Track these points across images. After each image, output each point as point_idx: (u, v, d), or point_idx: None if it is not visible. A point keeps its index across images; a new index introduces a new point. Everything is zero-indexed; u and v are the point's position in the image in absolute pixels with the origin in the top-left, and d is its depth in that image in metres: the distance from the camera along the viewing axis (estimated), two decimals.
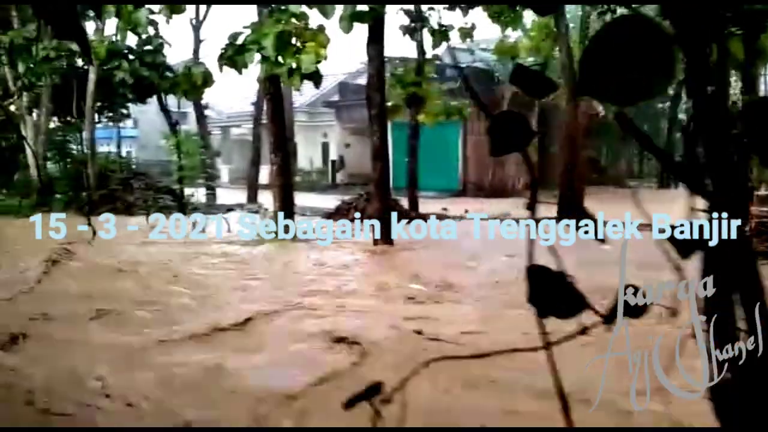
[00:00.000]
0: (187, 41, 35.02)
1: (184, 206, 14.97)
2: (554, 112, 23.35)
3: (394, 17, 15.51)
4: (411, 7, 13.46)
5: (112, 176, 17.52)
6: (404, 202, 14.00)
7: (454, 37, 14.29)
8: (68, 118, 18.88)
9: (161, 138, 17.87)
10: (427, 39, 14.11)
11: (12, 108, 16.67)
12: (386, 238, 9.37)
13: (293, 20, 9.17)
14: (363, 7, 8.58)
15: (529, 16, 17.59)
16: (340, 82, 31.11)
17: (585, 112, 14.77)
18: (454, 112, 15.43)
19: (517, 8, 14.22)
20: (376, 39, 9.30)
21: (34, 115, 16.79)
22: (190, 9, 19.08)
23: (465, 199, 21.93)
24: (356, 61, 34.40)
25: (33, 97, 16.54)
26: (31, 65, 15.53)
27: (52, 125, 18.30)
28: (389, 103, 11.61)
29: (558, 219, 12.78)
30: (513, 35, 16.76)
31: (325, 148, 31.84)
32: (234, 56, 9.07)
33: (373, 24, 9.09)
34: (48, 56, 14.73)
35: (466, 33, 14.38)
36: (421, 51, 14.48)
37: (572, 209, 13.01)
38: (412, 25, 13.78)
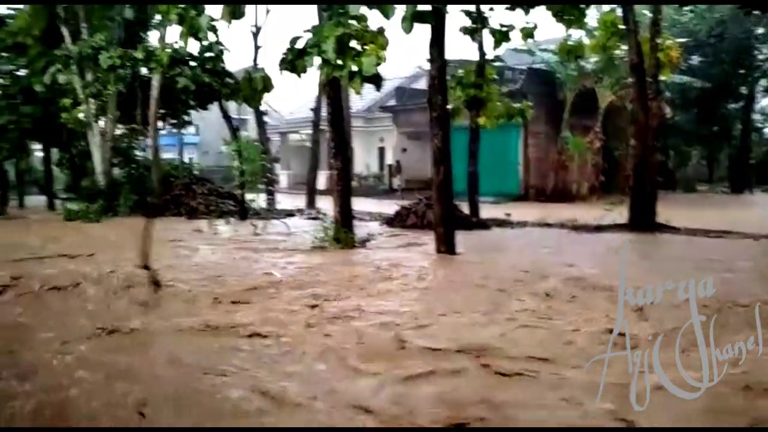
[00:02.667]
0: (246, 48, 35.81)
1: (245, 211, 15.04)
2: (620, 113, 22.54)
3: (454, 19, 15.21)
4: (472, 7, 13.13)
5: (175, 181, 17.84)
6: (464, 208, 13.66)
7: (515, 38, 13.89)
8: (133, 125, 19.38)
9: (222, 144, 18.07)
10: (488, 40, 13.78)
11: (80, 116, 17.18)
12: (449, 244, 9.05)
13: (353, 22, 9.01)
14: (425, 7, 8.33)
15: (593, 15, 17.02)
16: (396, 87, 31.04)
17: (654, 113, 14.07)
18: (516, 114, 14.97)
19: (582, 6, 13.75)
20: (438, 40, 9.01)
21: (101, 122, 17.25)
22: (249, 15, 19.32)
23: (526, 204, 21.37)
24: (412, 65, 34.36)
25: (100, 104, 17.01)
26: (98, 74, 15.97)
27: (117, 132, 18.78)
28: (449, 106, 11.28)
29: (630, 226, 12.21)
30: (575, 34, 16.27)
31: (382, 152, 31.76)
32: (294, 60, 8.97)
33: (435, 24, 8.82)
34: (114, 65, 15.09)
35: (528, 33, 13.90)
36: (481, 52, 14.12)
37: (644, 216, 12.33)
38: (473, 26, 13.44)
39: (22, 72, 19.74)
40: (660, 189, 14.15)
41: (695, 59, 28.94)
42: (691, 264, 7.61)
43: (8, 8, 19.69)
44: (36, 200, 22.94)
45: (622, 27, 13.72)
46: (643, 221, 12.18)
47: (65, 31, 16.68)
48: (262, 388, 3.51)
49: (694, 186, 30.27)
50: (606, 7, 16.15)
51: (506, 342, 4.30)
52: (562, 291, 5.76)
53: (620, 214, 13.19)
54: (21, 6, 18.71)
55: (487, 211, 14.94)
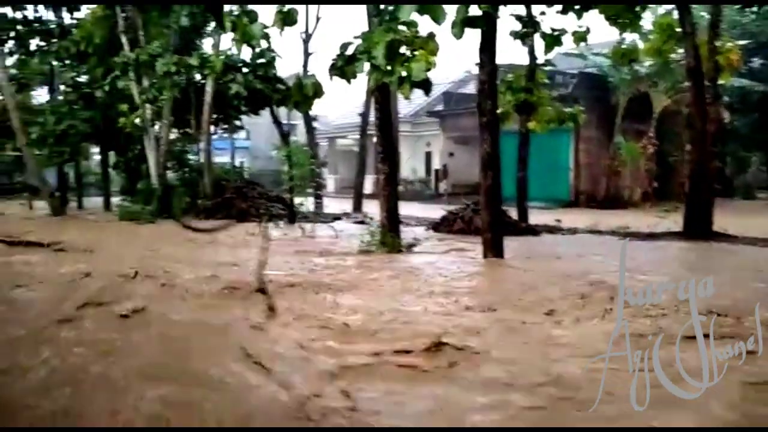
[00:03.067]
0: (296, 55, 36.40)
1: (293, 214, 15.25)
2: (676, 117, 21.91)
3: (504, 23, 15.10)
4: (523, 11, 13.00)
5: (226, 185, 18.23)
6: (513, 213, 13.52)
7: (567, 41, 13.67)
8: (186, 130, 19.91)
9: (272, 149, 18.39)
10: (539, 44, 13.63)
11: (137, 120, 17.76)
12: (496, 250, 8.96)
13: (403, 28, 9.05)
14: (476, 11, 8.30)
15: (648, 17, 16.60)
16: (444, 92, 30.99)
17: (712, 117, 13.60)
18: (567, 119, 14.74)
19: (637, 9, 13.44)
20: (488, 45, 8.96)
21: (156, 127, 17.79)
22: (300, 22, 19.61)
23: (577, 210, 21.00)
24: (460, 70, 34.25)
25: (155, 110, 17.54)
26: (154, 80, 16.47)
27: (172, 136, 19.32)
28: (498, 110, 11.20)
29: (685, 234, 11.85)
30: (629, 37, 15.91)
31: (429, 157, 31.72)
32: (344, 66, 9.06)
33: (485, 29, 8.77)
34: (169, 71, 15.54)
35: (581, 37, 13.68)
36: (532, 56, 13.97)
37: (700, 223, 11.94)
38: (524, 30, 13.30)
39: (82, 78, 20.56)
40: (717, 196, 13.67)
41: (756, 62, 27.88)
42: (749, 274, 7.33)
43: (72, 18, 20.56)
44: (93, 201, 23.78)
45: (678, 30, 13.35)
46: (698, 229, 11.80)
47: (124, 40, 17.29)
48: None
49: (753, 193, 29.11)
50: (662, 10, 15.75)
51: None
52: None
53: (675, 221, 12.82)
54: (83, 15, 19.51)
55: (536, 217, 14.75)
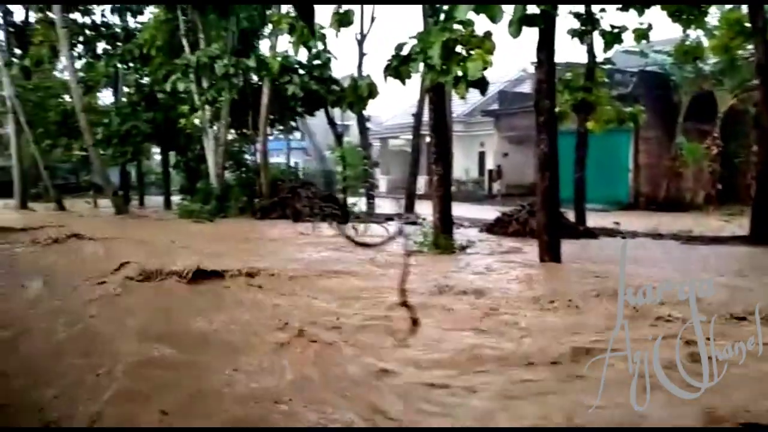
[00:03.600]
0: (350, 56, 36.64)
1: (347, 214, 15.35)
2: (742, 117, 21.00)
3: (561, 21, 14.80)
4: (582, 9, 12.72)
5: (281, 185, 18.52)
6: (570, 215, 13.24)
7: (627, 39, 13.30)
8: (244, 131, 20.33)
9: (326, 149, 18.56)
10: (598, 42, 13.30)
11: (196, 121, 18.24)
12: (553, 253, 8.79)
13: (459, 27, 8.98)
14: (534, 10, 8.16)
15: (714, 13, 15.97)
16: (499, 91, 30.63)
17: None
18: (627, 119, 14.33)
19: (703, 6, 12.96)
20: (546, 43, 8.79)
21: (215, 127, 18.22)
22: (355, 24, 19.72)
23: (636, 212, 20.39)
24: (515, 69, 33.77)
25: (214, 111, 17.98)
26: (213, 82, 16.87)
27: (229, 137, 19.76)
28: (556, 110, 10.98)
29: (752, 239, 11.34)
30: (693, 34, 15.35)
31: (482, 157, 31.39)
32: (399, 67, 9.06)
33: (543, 28, 8.61)
34: (227, 73, 15.88)
35: (642, 34, 13.29)
36: (591, 54, 13.64)
37: None
38: (582, 28, 13.01)
39: (145, 81, 21.28)
40: None
41: None
42: None
43: (136, 22, 21.32)
44: (153, 200, 24.57)
45: (748, 25, 12.80)
46: (766, 233, 11.27)
47: (185, 42, 17.79)
48: None
49: None
50: (729, 5, 15.13)
51: None
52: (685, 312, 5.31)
53: (740, 225, 12.31)
54: (146, 19, 20.20)
55: (594, 220, 14.40)
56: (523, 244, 10.73)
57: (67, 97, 23.39)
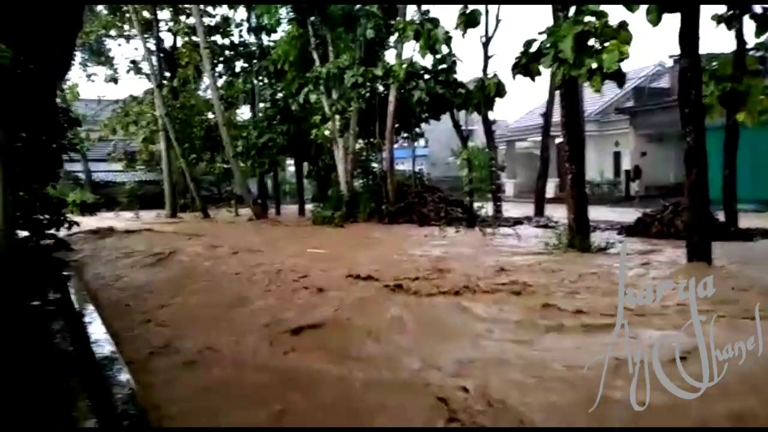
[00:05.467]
0: (475, 61, 36.48)
1: (473, 218, 15.18)
2: None
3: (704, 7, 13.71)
4: None
5: (407, 190, 18.73)
6: (719, 216, 12.18)
7: None
8: (371, 140, 20.80)
9: (450, 155, 18.50)
10: (748, 26, 12.16)
11: (326, 132, 18.93)
12: (703, 255, 8.11)
13: (592, 19, 8.59)
14: None
15: None
16: (634, 87, 29.03)
17: None
18: None
19: None
20: (690, 29, 8.15)
21: (344, 136, 18.78)
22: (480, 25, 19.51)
23: None
24: (652, 64, 31.81)
25: (343, 121, 18.55)
26: (342, 92, 17.42)
27: (357, 147, 20.30)
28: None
29: None
30: None
31: (617, 158, 29.83)
32: (529, 63, 8.82)
33: (687, 13, 8.00)
34: (356, 82, 16.33)
35: None
36: (740, 40, 12.50)
37: None
38: (730, 12, 11.96)
39: (279, 95, 22.42)
40: None
41: None
42: None
43: (269, 41, 22.55)
44: (288, 208, 25.79)
45: None
46: None
47: (315, 56, 18.54)
48: None
49: None
50: None
51: None
52: None
53: None
54: (279, 37, 21.30)
55: (747, 221, 13.15)
56: (666, 246, 10.03)
57: (209, 114, 25.27)
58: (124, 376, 3.82)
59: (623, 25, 8.59)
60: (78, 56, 27.28)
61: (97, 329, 5.20)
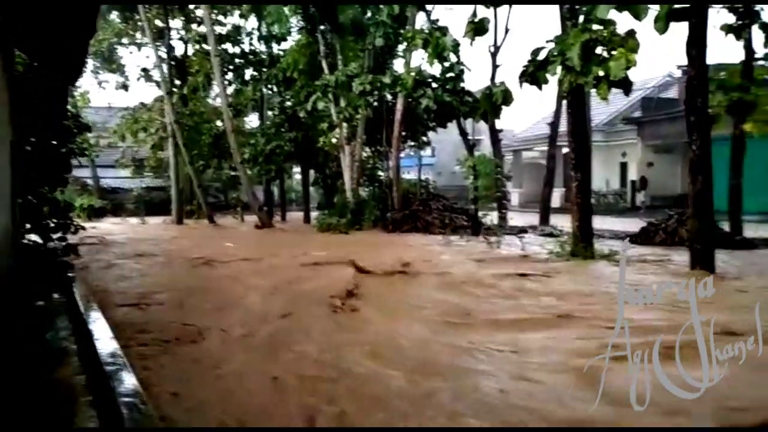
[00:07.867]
0: (483, 70, 36.65)
1: (478, 226, 15.20)
2: None
3: (712, 16, 13.75)
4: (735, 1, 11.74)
5: (412, 198, 18.77)
6: (724, 226, 12.17)
7: None
8: (377, 148, 20.86)
9: (455, 165, 18.54)
10: (757, 37, 12.21)
11: (333, 140, 19.02)
12: (706, 263, 8.12)
13: (599, 27, 8.65)
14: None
15: None
16: (642, 98, 29.06)
17: None
18: None
19: None
20: (697, 38, 8.19)
21: (351, 144, 18.84)
22: (488, 36, 19.61)
23: None
24: (659, 75, 31.81)
25: (350, 129, 18.62)
26: (350, 100, 17.50)
27: (364, 154, 20.36)
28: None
29: None
30: None
31: (624, 168, 29.80)
32: (536, 71, 8.88)
33: (694, 21, 8.04)
34: (365, 90, 16.41)
35: None
36: (748, 50, 12.54)
37: None
38: (739, 22, 12.00)
39: (287, 103, 22.54)
40: None
41: None
42: None
43: (279, 49, 22.71)
44: (294, 215, 25.81)
45: None
46: None
47: (324, 64, 18.67)
48: None
49: None
50: None
51: None
52: None
53: None
54: (288, 46, 21.46)
55: (752, 231, 13.13)
56: (670, 254, 10.02)
57: (218, 122, 25.41)
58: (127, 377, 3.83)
59: (631, 33, 8.66)
60: (90, 63, 27.49)
61: (100, 327, 5.24)
